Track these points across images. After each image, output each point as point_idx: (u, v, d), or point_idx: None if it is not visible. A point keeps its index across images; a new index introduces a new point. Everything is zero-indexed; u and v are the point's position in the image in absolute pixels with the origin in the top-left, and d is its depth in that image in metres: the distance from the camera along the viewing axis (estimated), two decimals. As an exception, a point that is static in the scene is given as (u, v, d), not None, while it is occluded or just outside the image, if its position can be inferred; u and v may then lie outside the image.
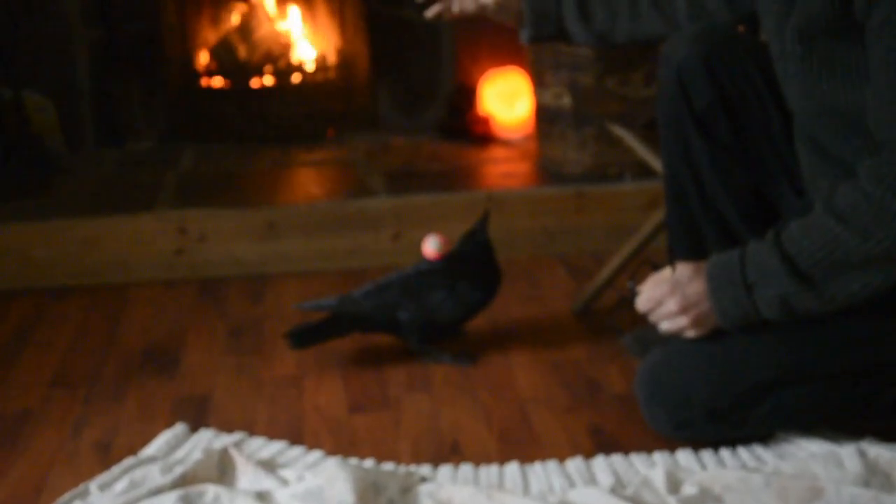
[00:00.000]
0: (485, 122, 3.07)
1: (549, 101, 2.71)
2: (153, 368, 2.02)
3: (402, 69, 3.22)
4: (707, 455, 1.61)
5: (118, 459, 1.64)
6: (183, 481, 1.52)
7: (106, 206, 2.59)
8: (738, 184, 1.74)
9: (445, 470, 1.60)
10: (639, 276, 1.68)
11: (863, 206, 1.45)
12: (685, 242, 1.79)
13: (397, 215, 2.55)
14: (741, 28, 1.86)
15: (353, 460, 1.63)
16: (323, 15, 3.20)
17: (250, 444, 1.70)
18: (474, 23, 1.93)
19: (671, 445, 1.64)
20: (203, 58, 3.17)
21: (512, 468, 1.59)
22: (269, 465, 1.61)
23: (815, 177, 1.63)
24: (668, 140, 1.78)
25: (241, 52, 3.16)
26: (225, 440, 1.70)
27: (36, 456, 1.70)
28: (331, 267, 2.54)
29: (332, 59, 3.20)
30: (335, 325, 2.02)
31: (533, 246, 2.57)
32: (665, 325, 1.62)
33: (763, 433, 1.64)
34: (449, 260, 2.03)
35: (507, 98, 3.08)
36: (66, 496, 1.52)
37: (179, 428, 1.73)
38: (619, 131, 2.21)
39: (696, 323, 1.59)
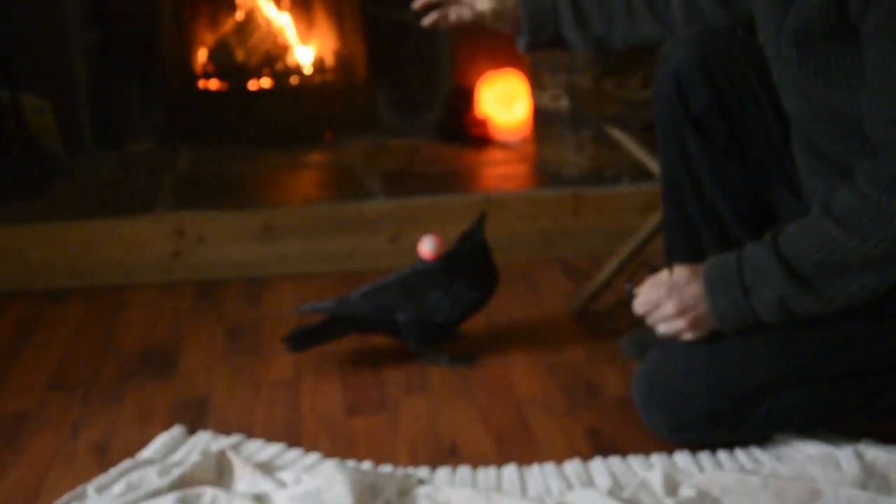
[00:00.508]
0: (482, 124, 3.08)
1: (547, 104, 2.71)
2: (151, 370, 2.02)
3: (400, 71, 3.23)
4: (705, 457, 1.61)
5: (116, 461, 1.63)
6: (181, 483, 1.52)
7: (104, 208, 2.59)
8: (735, 186, 1.74)
9: (443, 472, 1.60)
10: (636, 279, 1.68)
11: (860, 208, 1.45)
12: (682, 245, 1.79)
13: (395, 217, 2.55)
14: (738, 31, 1.86)
15: (351, 462, 1.63)
16: (321, 17, 3.20)
17: (248, 447, 1.69)
18: (471, 30, 1.93)
19: (669, 447, 1.64)
20: (201, 60, 3.17)
21: (510, 470, 1.59)
22: (267, 468, 1.61)
23: (813, 179, 1.64)
24: (665, 142, 1.78)
25: (239, 54, 3.16)
26: (223, 442, 1.70)
27: (33, 458, 1.70)
28: (329, 269, 2.54)
29: (329, 61, 3.20)
30: (333, 328, 2.02)
31: (531, 248, 2.58)
32: (662, 328, 1.62)
33: (761, 435, 1.64)
34: (445, 260, 2.04)
35: (504, 100, 3.08)
36: (64, 498, 1.52)
37: (177, 430, 1.73)
38: (617, 134, 2.21)
39: (693, 325, 1.59)
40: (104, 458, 1.69)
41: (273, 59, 3.17)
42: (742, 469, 1.57)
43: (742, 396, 1.59)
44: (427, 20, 1.90)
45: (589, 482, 1.55)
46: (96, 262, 2.48)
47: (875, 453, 1.52)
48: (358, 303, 2.00)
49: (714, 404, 1.59)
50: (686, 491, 1.46)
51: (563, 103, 2.65)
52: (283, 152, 3.05)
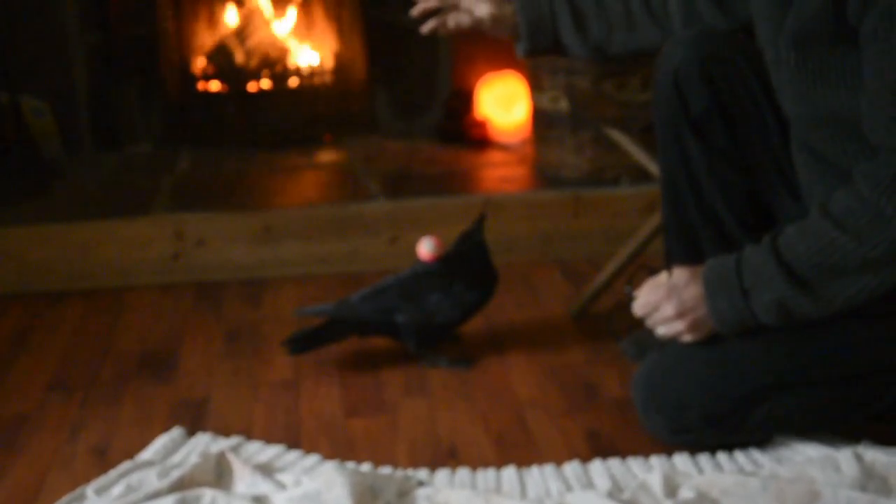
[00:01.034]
0: (482, 126, 3.08)
1: (547, 105, 2.71)
2: (150, 372, 2.02)
3: (400, 73, 3.23)
4: (704, 459, 1.61)
5: (115, 463, 1.63)
6: (180, 485, 1.52)
7: (103, 209, 2.59)
8: (734, 188, 1.74)
9: (443, 474, 1.60)
10: (636, 281, 1.68)
11: (859, 210, 1.45)
12: (682, 247, 1.79)
13: (394, 219, 2.55)
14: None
15: (351, 464, 1.63)
16: (320, 19, 3.21)
17: (247, 448, 1.69)
18: (470, 34, 1.93)
19: (668, 449, 1.64)
20: (200, 62, 3.17)
21: (509, 472, 1.59)
22: (267, 469, 1.61)
23: (812, 181, 1.64)
24: (664, 144, 1.78)
25: (239, 56, 3.16)
26: (222, 444, 1.70)
27: (33, 460, 1.70)
28: (328, 270, 2.54)
29: (329, 63, 3.20)
30: (333, 330, 2.02)
31: (530, 250, 2.58)
32: (662, 330, 1.62)
33: (760, 437, 1.64)
34: (444, 261, 2.04)
35: (504, 102, 3.08)
36: (64, 500, 1.52)
37: (176, 432, 1.73)
38: (617, 135, 2.21)
39: (692, 328, 1.59)
40: (103, 459, 1.69)
41: (272, 60, 3.17)
42: (741, 471, 1.57)
43: (741, 398, 1.59)
44: (426, 27, 1.91)
45: (588, 484, 1.56)
46: (96, 263, 2.48)
47: (874, 455, 1.52)
48: (357, 305, 2.00)
49: (713, 406, 1.59)
50: (685, 493, 1.46)
51: (563, 105, 2.65)
52: (283, 154, 3.05)
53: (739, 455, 1.62)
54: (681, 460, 1.61)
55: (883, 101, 1.44)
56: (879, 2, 1.41)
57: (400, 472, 1.59)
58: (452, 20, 1.89)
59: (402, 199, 2.59)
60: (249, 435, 1.75)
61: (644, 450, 1.65)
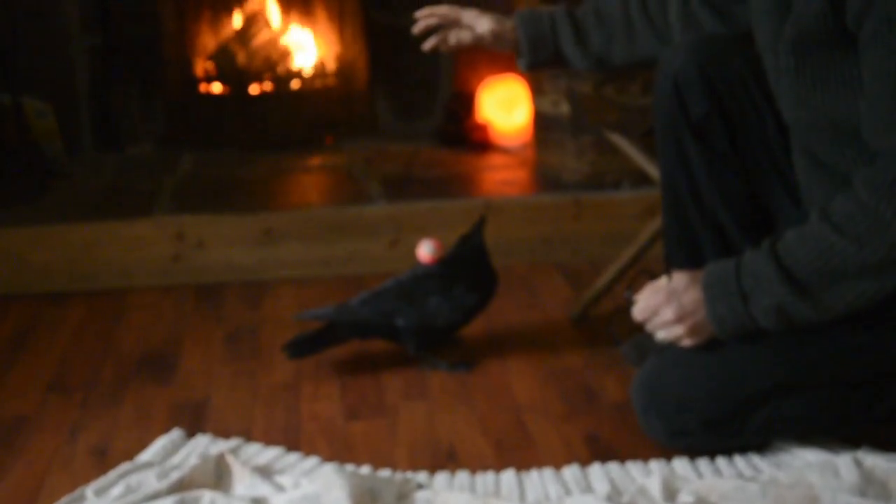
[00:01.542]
0: (483, 129, 3.08)
1: (548, 109, 2.72)
2: (150, 374, 2.02)
3: (401, 76, 3.23)
4: (703, 464, 1.61)
5: (114, 464, 1.63)
6: (179, 487, 1.52)
7: (104, 211, 2.59)
8: (734, 193, 1.74)
9: (442, 477, 1.60)
10: (636, 285, 1.68)
11: (858, 215, 1.46)
12: (682, 251, 1.79)
13: (395, 222, 2.55)
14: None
15: (350, 467, 1.63)
16: (322, 22, 3.21)
17: (247, 450, 1.70)
18: (472, 52, 1.94)
19: (668, 454, 1.64)
20: (202, 64, 3.18)
21: (508, 476, 1.59)
22: (266, 471, 1.61)
23: (812, 186, 1.64)
24: (664, 149, 1.78)
25: (241, 58, 3.17)
26: (221, 446, 1.70)
27: (32, 461, 1.70)
28: (328, 273, 2.54)
29: (330, 65, 3.20)
30: (333, 334, 2.02)
31: (530, 253, 2.58)
32: (661, 334, 1.62)
33: (759, 442, 1.64)
34: (444, 264, 2.04)
35: (505, 105, 3.08)
36: (63, 501, 1.52)
37: (176, 433, 1.73)
38: (617, 139, 2.21)
39: (692, 332, 1.59)
40: (103, 460, 1.69)
41: (274, 63, 3.17)
42: (741, 476, 1.57)
43: (740, 403, 1.59)
44: (427, 44, 1.92)
45: (587, 488, 1.56)
46: (96, 264, 2.49)
47: (874, 460, 1.52)
48: (357, 309, 2.00)
49: (713, 411, 1.59)
50: (684, 497, 1.46)
51: (564, 109, 2.66)
52: (284, 156, 3.06)
53: (739, 460, 1.62)
54: (680, 465, 1.61)
55: (882, 106, 1.44)
56: (878, 7, 1.41)
57: (399, 475, 1.59)
58: (454, 37, 1.90)
59: (402, 202, 2.60)
60: (249, 437, 1.75)
61: (643, 454, 1.65)
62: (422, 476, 1.60)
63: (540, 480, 1.58)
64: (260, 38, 3.18)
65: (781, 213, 1.74)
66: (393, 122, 3.25)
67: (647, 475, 1.57)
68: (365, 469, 1.63)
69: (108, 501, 1.51)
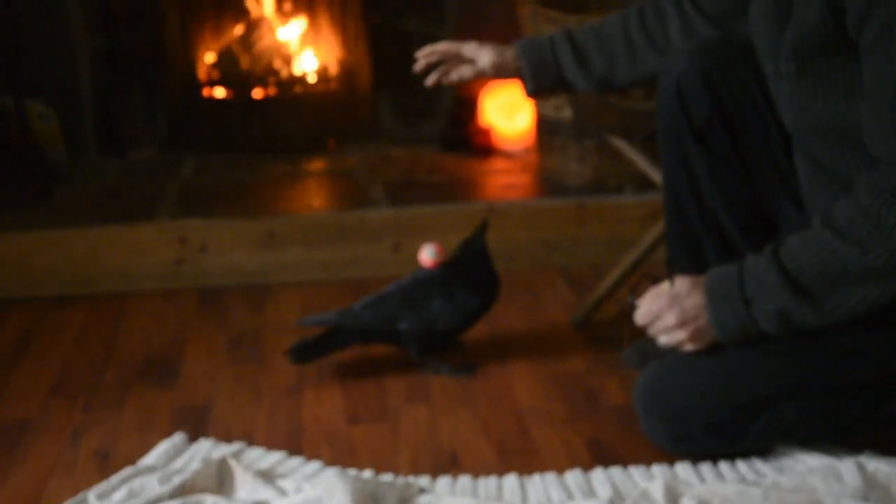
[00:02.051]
0: (486, 133, 3.08)
1: (550, 113, 2.71)
2: (153, 378, 2.02)
3: (404, 80, 3.22)
4: (706, 468, 1.61)
5: (117, 469, 1.64)
6: (181, 491, 1.52)
7: (107, 215, 2.59)
8: (737, 197, 1.75)
9: (444, 481, 1.60)
10: (638, 289, 1.68)
11: (860, 220, 1.46)
12: (684, 256, 1.79)
13: (398, 226, 2.55)
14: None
15: (352, 471, 1.63)
16: (325, 26, 3.21)
17: (249, 454, 1.70)
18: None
19: (670, 458, 1.64)
20: (205, 68, 3.18)
21: (510, 480, 1.59)
22: (268, 476, 1.61)
23: (814, 191, 1.64)
24: (667, 153, 1.78)
25: (244, 62, 3.17)
26: (224, 450, 1.70)
27: (35, 465, 1.70)
28: (331, 277, 2.54)
29: (333, 70, 3.20)
30: (336, 339, 2.02)
31: (533, 257, 2.58)
32: (663, 339, 1.62)
33: (762, 447, 1.64)
34: (446, 268, 2.04)
35: (507, 110, 3.08)
36: (65, 505, 1.53)
37: (178, 437, 1.73)
38: (620, 144, 2.21)
39: (694, 337, 1.59)
40: (105, 464, 1.69)
41: (277, 67, 3.18)
42: (743, 480, 1.57)
43: (743, 407, 1.59)
44: (429, 80, 1.94)
45: (590, 492, 1.55)
46: (99, 268, 2.49)
47: (876, 465, 1.52)
48: (360, 313, 2.00)
49: (715, 415, 1.59)
50: (687, 501, 1.46)
51: (566, 113, 2.65)
52: (287, 160, 3.05)
53: (741, 464, 1.62)
54: (682, 469, 1.61)
55: (883, 111, 1.44)
56: (879, 13, 1.41)
57: (401, 480, 1.59)
58: (455, 74, 1.92)
59: (405, 206, 2.60)
60: (251, 441, 1.75)
61: (646, 458, 1.65)
62: (424, 480, 1.60)
63: (542, 485, 1.58)
64: (263, 43, 3.18)
65: (784, 218, 1.74)
66: (396, 127, 3.24)
67: (650, 479, 1.57)
68: (367, 473, 1.63)
69: (110, 505, 1.51)
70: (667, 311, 1.60)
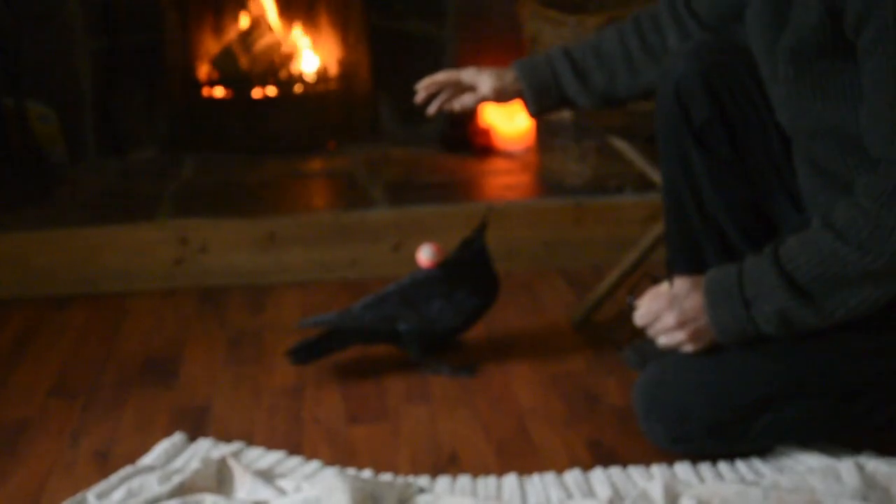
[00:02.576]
0: (486, 133, 3.08)
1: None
2: (152, 378, 2.02)
3: (404, 80, 3.22)
4: (705, 468, 1.61)
5: (116, 468, 1.64)
6: (181, 490, 1.52)
7: (107, 215, 2.59)
8: (736, 198, 1.75)
9: (443, 481, 1.60)
10: (638, 290, 1.68)
11: (860, 221, 1.46)
12: (684, 256, 1.79)
13: (398, 226, 2.55)
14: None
15: (351, 471, 1.63)
16: (325, 26, 3.21)
17: (248, 454, 1.70)
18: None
19: (669, 458, 1.64)
20: (205, 68, 3.18)
21: (510, 480, 1.59)
22: (268, 475, 1.61)
23: (814, 193, 1.64)
24: (667, 154, 1.78)
25: (243, 62, 3.17)
26: (223, 449, 1.70)
27: (34, 464, 1.71)
28: (331, 277, 2.54)
29: (333, 70, 3.20)
30: (336, 340, 2.02)
31: (533, 258, 2.57)
32: (663, 340, 1.62)
33: (761, 447, 1.64)
34: (445, 268, 2.04)
35: (508, 110, 3.08)
36: (64, 505, 1.53)
37: (178, 437, 1.73)
38: (620, 144, 2.21)
39: (693, 337, 1.59)
40: (105, 464, 1.69)
41: (277, 67, 3.18)
42: (742, 480, 1.57)
43: (742, 408, 1.59)
44: (431, 109, 1.95)
45: (589, 492, 1.55)
46: (99, 269, 2.49)
47: (876, 465, 1.52)
48: (359, 314, 2.00)
49: (714, 416, 1.59)
50: (686, 502, 1.46)
51: (566, 113, 2.65)
52: (287, 161, 3.05)
53: (740, 464, 1.62)
54: (682, 469, 1.61)
55: (882, 113, 1.44)
56: (877, 15, 1.41)
57: (401, 479, 1.59)
58: (458, 103, 1.94)
59: (405, 206, 2.60)
60: (250, 441, 1.75)
61: (645, 458, 1.65)
62: (423, 480, 1.60)
63: (542, 485, 1.58)
64: (263, 43, 3.18)
65: (783, 219, 1.74)
66: (396, 127, 3.24)
67: (649, 479, 1.57)
68: (366, 473, 1.63)
69: (109, 505, 1.51)
70: (666, 311, 1.60)
